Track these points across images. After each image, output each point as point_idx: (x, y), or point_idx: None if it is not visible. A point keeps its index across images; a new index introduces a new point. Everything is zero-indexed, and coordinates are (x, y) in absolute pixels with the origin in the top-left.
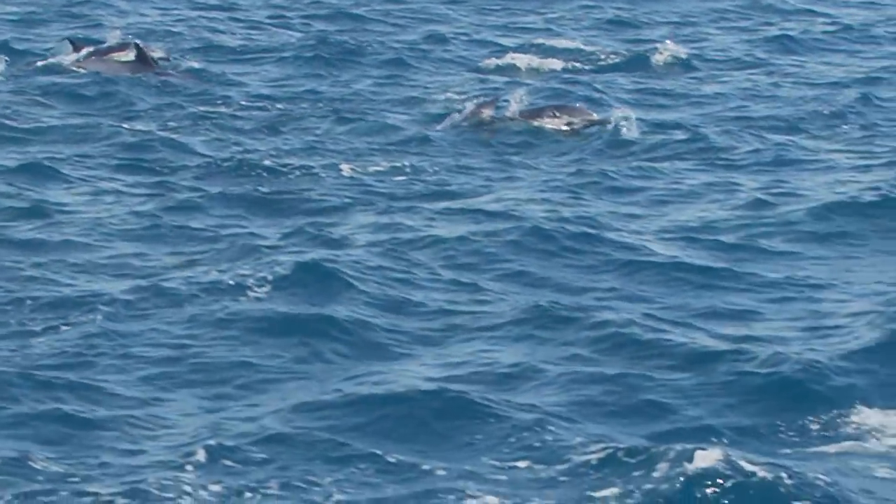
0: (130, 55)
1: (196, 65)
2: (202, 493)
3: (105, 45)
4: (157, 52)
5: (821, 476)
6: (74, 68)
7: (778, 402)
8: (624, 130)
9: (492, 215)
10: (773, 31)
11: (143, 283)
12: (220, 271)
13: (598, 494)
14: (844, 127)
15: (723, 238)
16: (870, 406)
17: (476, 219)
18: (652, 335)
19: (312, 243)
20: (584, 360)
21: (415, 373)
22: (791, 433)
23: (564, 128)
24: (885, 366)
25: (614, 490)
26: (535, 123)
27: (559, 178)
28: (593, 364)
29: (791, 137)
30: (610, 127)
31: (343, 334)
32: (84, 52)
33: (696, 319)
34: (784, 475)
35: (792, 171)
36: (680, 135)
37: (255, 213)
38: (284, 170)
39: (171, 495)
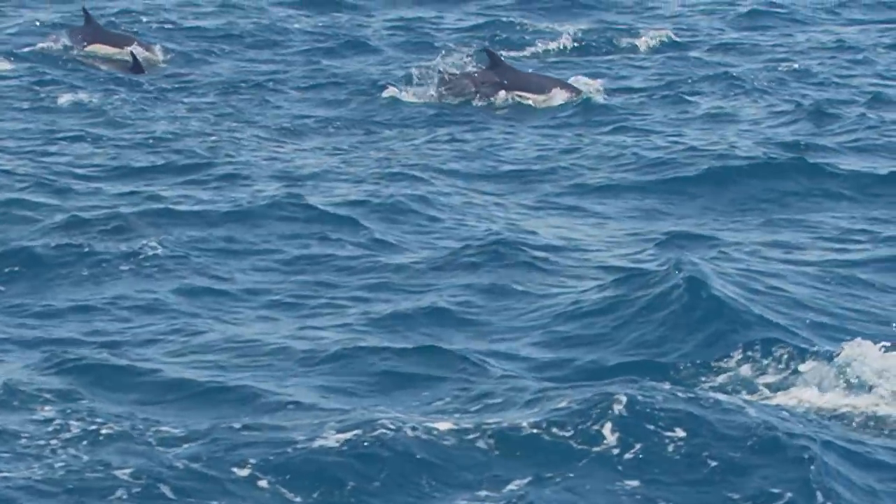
0: (127, 53)
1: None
2: (69, 421)
3: (108, 32)
4: (157, 55)
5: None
6: (74, 55)
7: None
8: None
9: (383, 181)
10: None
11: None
12: (111, 232)
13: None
14: (768, 97)
15: (596, 196)
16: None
17: (366, 189)
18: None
19: (210, 208)
20: (463, 303)
21: (295, 325)
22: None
23: (560, 101)
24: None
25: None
26: (531, 98)
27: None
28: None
29: (716, 103)
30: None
31: (232, 288)
32: (88, 35)
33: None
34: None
35: (696, 132)
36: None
37: (161, 179)
38: (208, 142)
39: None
